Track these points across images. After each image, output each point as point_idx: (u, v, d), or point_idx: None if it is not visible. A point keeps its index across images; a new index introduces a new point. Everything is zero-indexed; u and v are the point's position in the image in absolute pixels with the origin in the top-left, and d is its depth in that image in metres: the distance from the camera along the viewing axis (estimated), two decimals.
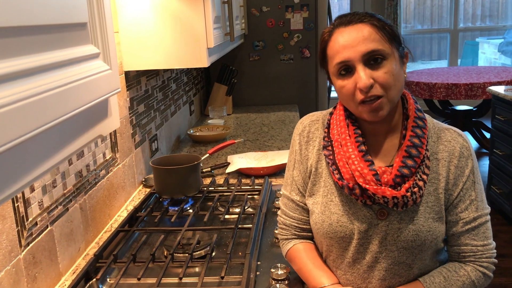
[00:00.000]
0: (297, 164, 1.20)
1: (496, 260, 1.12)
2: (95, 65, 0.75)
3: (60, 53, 0.66)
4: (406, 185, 1.03)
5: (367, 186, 1.03)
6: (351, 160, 1.06)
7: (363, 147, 1.08)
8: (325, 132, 1.16)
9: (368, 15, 1.05)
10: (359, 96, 1.02)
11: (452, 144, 1.09)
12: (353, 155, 1.07)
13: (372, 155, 1.11)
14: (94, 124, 0.79)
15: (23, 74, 0.57)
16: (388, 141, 1.11)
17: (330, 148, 1.12)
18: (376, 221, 1.07)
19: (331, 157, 1.11)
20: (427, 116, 1.13)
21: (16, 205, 1.10)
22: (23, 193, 1.13)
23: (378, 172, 1.05)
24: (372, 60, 1.01)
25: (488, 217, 1.11)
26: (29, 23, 0.58)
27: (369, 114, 1.03)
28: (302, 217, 1.19)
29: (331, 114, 1.17)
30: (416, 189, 1.03)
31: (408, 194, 1.03)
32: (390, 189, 1.03)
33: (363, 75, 1.00)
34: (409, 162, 1.04)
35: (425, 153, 1.06)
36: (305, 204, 1.18)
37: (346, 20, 1.05)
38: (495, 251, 1.11)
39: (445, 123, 1.18)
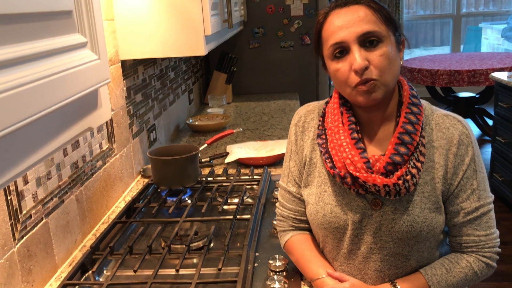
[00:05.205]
0: (293, 154, 1.18)
1: (499, 249, 1.09)
2: (82, 55, 0.73)
3: (45, 42, 0.63)
4: (398, 173, 1.01)
5: (357, 174, 1.01)
6: (342, 148, 1.04)
7: (355, 135, 1.06)
8: (319, 121, 1.14)
9: None
10: (354, 79, 1.00)
11: (451, 131, 1.06)
12: (344, 142, 1.05)
13: (367, 143, 1.09)
14: (83, 116, 0.77)
15: (4, 64, 0.55)
16: (384, 130, 1.09)
17: (324, 136, 1.10)
18: (370, 211, 1.05)
19: (324, 145, 1.09)
20: (424, 102, 1.11)
21: (9, 198, 1.08)
22: (16, 186, 1.11)
23: (371, 160, 1.03)
24: (368, 42, 0.99)
25: (491, 205, 1.08)
26: (10, 11, 0.56)
27: (363, 96, 1.01)
28: (299, 208, 1.17)
29: (327, 103, 1.15)
30: (408, 177, 1.00)
31: (400, 182, 1.00)
32: (381, 177, 1.00)
33: (358, 57, 0.98)
34: (402, 149, 1.01)
35: (420, 140, 1.03)
36: (302, 195, 1.16)
37: (342, 2, 1.03)
38: (498, 240, 1.09)
39: (447, 110, 1.15)
